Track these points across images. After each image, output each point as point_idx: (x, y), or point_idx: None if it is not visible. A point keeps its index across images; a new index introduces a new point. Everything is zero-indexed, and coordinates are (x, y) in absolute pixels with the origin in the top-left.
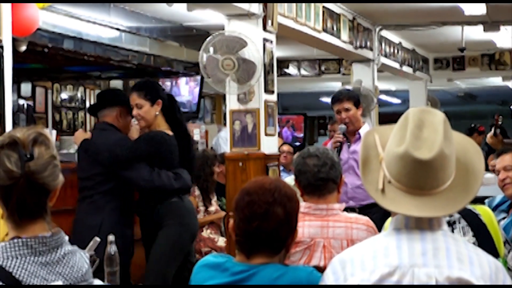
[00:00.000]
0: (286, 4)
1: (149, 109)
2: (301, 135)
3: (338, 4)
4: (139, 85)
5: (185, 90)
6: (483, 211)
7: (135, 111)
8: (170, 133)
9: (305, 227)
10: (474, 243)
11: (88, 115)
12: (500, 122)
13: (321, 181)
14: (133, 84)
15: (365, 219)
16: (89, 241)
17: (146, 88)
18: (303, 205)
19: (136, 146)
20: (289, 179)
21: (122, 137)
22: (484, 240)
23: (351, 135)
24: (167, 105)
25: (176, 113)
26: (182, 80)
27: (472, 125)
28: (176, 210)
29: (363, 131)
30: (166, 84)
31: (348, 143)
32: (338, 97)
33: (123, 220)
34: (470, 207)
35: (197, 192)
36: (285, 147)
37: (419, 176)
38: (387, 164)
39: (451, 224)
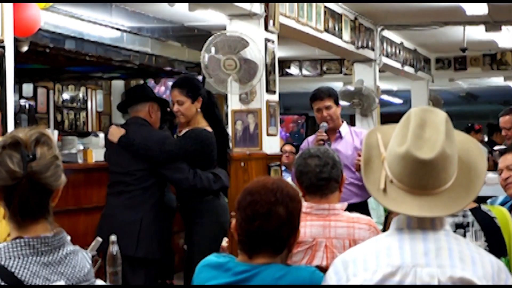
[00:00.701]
0: (287, 4)
1: (190, 106)
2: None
3: (340, 4)
4: (180, 81)
5: None
6: (500, 213)
7: (176, 107)
8: (211, 130)
9: (307, 227)
10: (485, 249)
11: (90, 115)
12: None
13: (323, 181)
14: (175, 80)
15: (367, 218)
16: (130, 237)
17: (188, 85)
18: (305, 205)
19: (184, 142)
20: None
21: (166, 134)
22: (496, 247)
23: (332, 133)
24: (206, 102)
25: (214, 110)
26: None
27: (469, 124)
28: (213, 209)
29: (343, 129)
30: (169, 84)
31: (328, 142)
32: (318, 94)
33: (162, 215)
34: (486, 209)
35: None
36: (287, 147)
37: (421, 176)
38: (389, 163)
39: (463, 227)
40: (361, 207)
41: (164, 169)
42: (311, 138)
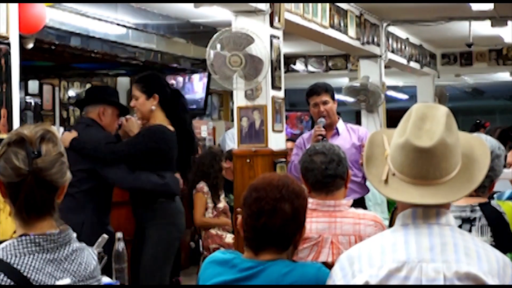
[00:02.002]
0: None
1: (144, 102)
2: (297, 131)
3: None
4: (139, 77)
5: (199, 86)
6: (509, 209)
7: (132, 102)
8: (172, 128)
9: (313, 224)
10: (491, 245)
11: None
12: None
13: (329, 178)
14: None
15: (373, 215)
16: (107, 236)
17: (145, 80)
18: (310, 202)
19: (136, 140)
20: None
21: (108, 135)
22: (502, 242)
23: (329, 130)
24: (171, 101)
25: (179, 111)
26: (196, 77)
27: (478, 121)
28: (167, 211)
29: (340, 126)
30: (179, 80)
31: (325, 139)
32: (315, 89)
33: (104, 219)
34: (496, 204)
35: (206, 188)
36: (289, 144)
37: (421, 165)
38: (391, 156)
39: (470, 221)
40: (359, 204)
41: (102, 170)
42: (306, 135)
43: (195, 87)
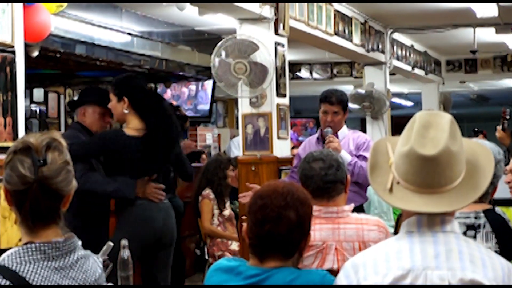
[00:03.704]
0: (297, 7)
1: (115, 105)
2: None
3: (350, 7)
4: (114, 79)
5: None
6: None
7: (109, 104)
8: (133, 133)
9: (316, 231)
10: (496, 251)
11: None
12: (508, 116)
13: (330, 184)
14: None
15: (375, 219)
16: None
17: (117, 83)
18: (313, 208)
19: (89, 141)
20: None
21: (72, 134)
22: (507, 249)
23: None
24: (145, 105)
25: (150, 116)
26: (209, 84)
27: (476, 129)
28: (126, 216)
29: (341, 133)
30: (191, 88)
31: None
32: (329, 98)
33: (91, 223)
34: (500, 211)
35: (212, 195)
36: (295, 151)
37: (425, 173)
38: (395, 164)
39: (474, 228)
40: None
41: None
42: (313, 139)
43: (209, 95)
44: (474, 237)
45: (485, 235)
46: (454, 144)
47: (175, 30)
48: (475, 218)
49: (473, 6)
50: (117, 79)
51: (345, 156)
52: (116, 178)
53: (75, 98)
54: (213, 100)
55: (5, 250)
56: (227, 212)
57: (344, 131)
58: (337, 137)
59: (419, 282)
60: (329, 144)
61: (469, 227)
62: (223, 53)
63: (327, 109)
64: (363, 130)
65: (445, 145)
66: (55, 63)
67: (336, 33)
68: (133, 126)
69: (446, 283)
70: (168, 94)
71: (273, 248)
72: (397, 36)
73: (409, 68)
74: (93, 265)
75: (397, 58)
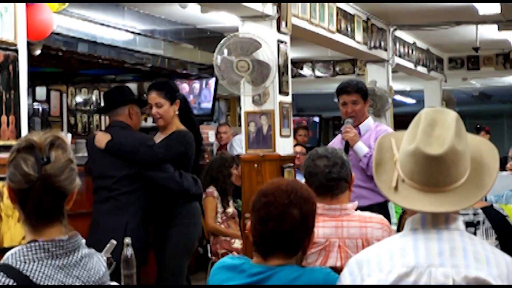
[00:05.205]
0: (300, 5)
1: (168, 109)
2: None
3: (352, 4)
4: (159, 84)
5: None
6: None
7: (154, 110)
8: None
9: (320, 228)
10: (496, 247)
11: (103, 118)
12: None
13: (333, 181)
14: (152, 83)
15: (379, 217)
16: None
17: (166, 87)
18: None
19: (171, 144)
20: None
21: (149, 137)
22: (508, 245)
23: None
24: (183, 107)
25: (190, 114)
26: (212, 82)
27: (478, 126)
28: (189, 210)
29: (363, 127)
30: (195, 86)
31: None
32: (345, 88)
33: (146, 220)
34: (499, 208)
35: (216, 193)
36: (298, 148)
37: (431, 172)
38: (400, 163)
39: (474, 225)
40: (381, 209)
41: (150, 171)
42: (337, 139)
43: (212, 93)
44: (474, 233)
45: (485, 232)
46: (460, 143)
47: (178, 28)
48: (474, 215)
49: (476, 3)
50: (163, 83)
51: (362, 148)
52: (194, 177)
53: (104, 99)
54: (216, 98)
55: (8, 249)
56: (231, 210)
57: (368, 124)
58: (358, 130)
59: (423, 279)
60: (345, 135)
61: (468, 224)
62: (226, 51)
63: (345, 100)
64: None
65: (451, 144)
66: (58, 61)
67: (339, 31)
68: (180, 126)
69: (450, 281)
70: None
71: (277, 246)
72: (399, 33)
73: (411, 65)
74: (97, 263)
75: (400, 56)
